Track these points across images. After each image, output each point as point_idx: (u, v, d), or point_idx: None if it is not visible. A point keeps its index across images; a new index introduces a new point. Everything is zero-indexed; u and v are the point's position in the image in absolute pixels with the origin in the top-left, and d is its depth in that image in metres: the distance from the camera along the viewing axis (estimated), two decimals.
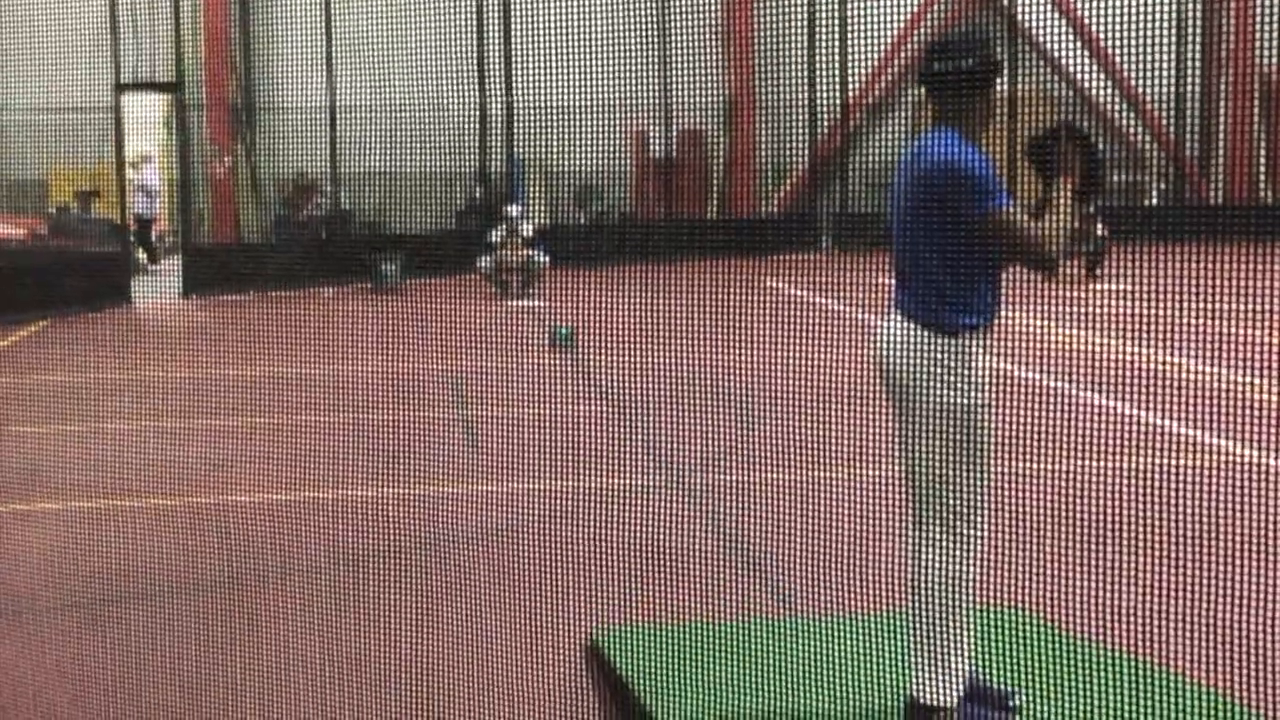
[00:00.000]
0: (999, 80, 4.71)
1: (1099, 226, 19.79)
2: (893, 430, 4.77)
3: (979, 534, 4.62)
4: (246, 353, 15.11)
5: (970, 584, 4.63)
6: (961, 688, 4.63)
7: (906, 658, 4.74)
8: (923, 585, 4.62)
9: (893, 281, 4.76)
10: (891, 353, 4.66)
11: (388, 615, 6.49)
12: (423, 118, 22.42)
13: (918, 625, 4.63)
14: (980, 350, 4.60)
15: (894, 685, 4.92)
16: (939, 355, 4.56)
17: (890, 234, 4.80)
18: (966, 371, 4.55)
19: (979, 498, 4.61)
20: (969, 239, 4.53)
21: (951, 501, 4.58)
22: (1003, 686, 4.78)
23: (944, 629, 4.60)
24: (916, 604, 4.64)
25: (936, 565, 4.59)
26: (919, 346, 4.58)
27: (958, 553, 4.58)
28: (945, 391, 4.54)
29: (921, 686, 4.62)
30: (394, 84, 22.07)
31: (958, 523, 4.58)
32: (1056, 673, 4.98)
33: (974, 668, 4.74)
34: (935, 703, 4.61)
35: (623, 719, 5.27)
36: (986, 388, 4.61)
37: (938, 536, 4.60)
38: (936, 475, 4.58)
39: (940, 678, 4.60)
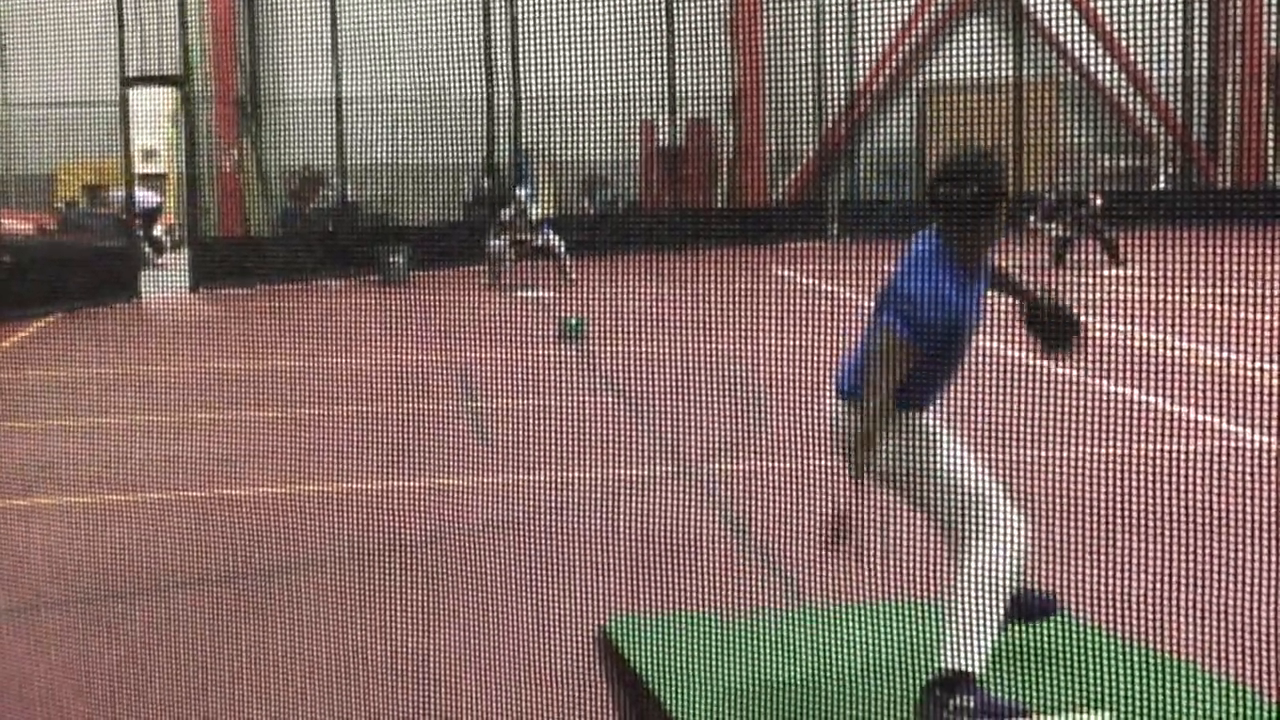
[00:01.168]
0: (1005, 205, 4.76)
1: (1095, 202, 19.78)
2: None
3: (1012, 530, 4.69)
4: (254, 347, 15.11)
5: (1012, 578, 4.72)
6: (982, 662, 4.64)
7: (933, 643, 4.75)
8: (970, 580, 4.69)
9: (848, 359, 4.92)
10: (843, 432, 4.93)
11: (399, 607, 6.49)
12: (429, 109, 22.41)
13: (959, 612, 4.69)
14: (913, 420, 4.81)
15: (907, 674, 4.92)
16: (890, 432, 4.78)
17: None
18: (902, 440, 4.78)
19: (992, 505, 4.71)
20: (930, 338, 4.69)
21: (967, 523, 4.71)
22: (1017, 699, 4.78)
23: (984, 618, 4.66)
24: (960, 595, 4.70)
25: (978, 565, 4.68)
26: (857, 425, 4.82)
27: (997, 551, 4.68)
28: (892, 464, 4.79)
29: (949, 654, 4.65)
30: (400, 75, 22.06)
31: (986, 530, 4.69)
32: (1068, 661, 4.97)
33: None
34: (959, 667, 4.62)
35: (634, 708, 5.26)
36: (929, 438, 4.80)
37: (974, 546, 4.69)
38: (940, 513, 4.77)
39: (973, 646, 4.64)
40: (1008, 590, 4.70)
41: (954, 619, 4.67)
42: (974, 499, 4.70)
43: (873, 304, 4.86)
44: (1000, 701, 4.69)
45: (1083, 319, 5.00)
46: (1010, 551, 4.67)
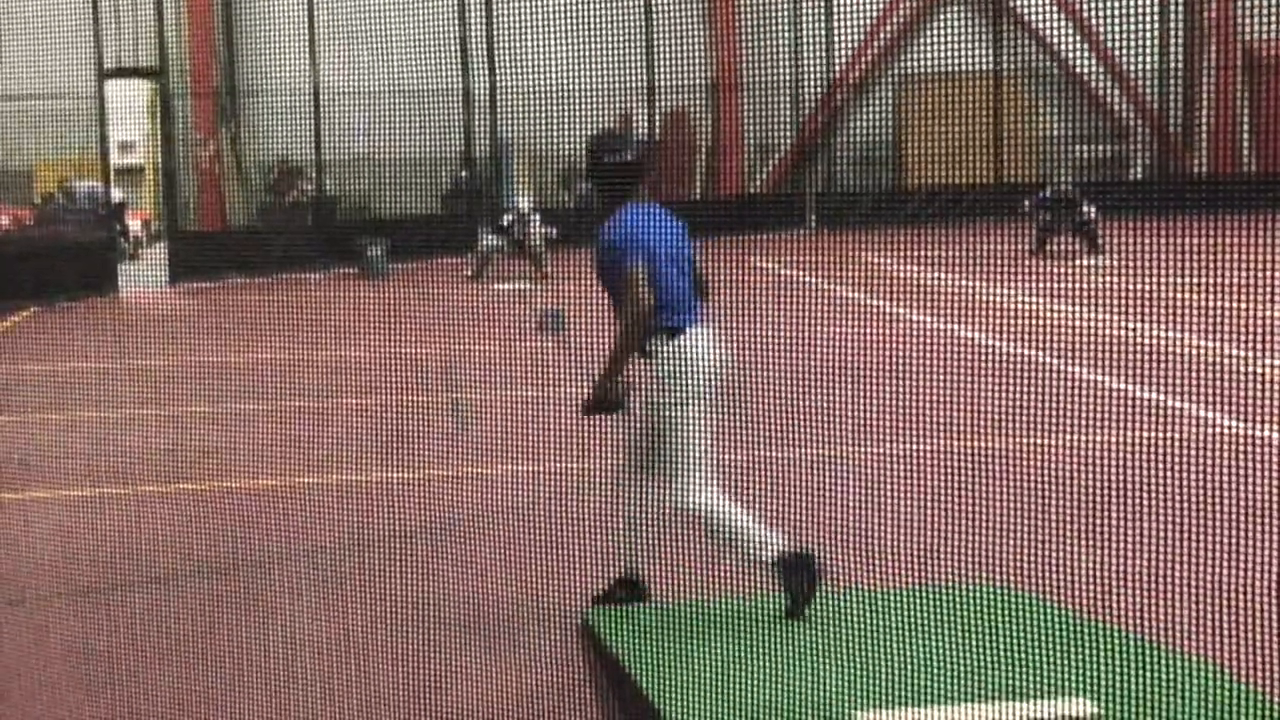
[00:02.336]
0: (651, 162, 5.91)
1: (1087, 207, 19.82)
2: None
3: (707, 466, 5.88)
4: (233, 339, 15.11)
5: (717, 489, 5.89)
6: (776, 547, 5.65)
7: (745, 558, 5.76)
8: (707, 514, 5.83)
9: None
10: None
11: (380, 597, 6.51)
12: (407, 101, 22.39)
13: (731, 542, 5.78)
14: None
15: (889, 659, 4.96)
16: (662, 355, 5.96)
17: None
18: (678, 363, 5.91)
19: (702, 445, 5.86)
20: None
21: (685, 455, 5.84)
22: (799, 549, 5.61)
23: (733, 527, 5.78)
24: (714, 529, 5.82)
25: (693, 496, 5.84)
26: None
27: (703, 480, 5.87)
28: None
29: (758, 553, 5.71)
30: (377, 68, 22.04)
31: (695, 466, 5.86)
32: (1044, 647, 5.02)
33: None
34: (777, 557, 5.64)
35: (616, 698, 5.29)
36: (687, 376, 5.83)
37: (685, 480, 5.84)
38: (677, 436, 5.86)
39: (763, 545, 5.69)
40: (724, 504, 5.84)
41: (738, 545, 5.76)
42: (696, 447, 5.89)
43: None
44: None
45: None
46: (710, 487, 5.88)
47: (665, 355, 5.93)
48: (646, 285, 5.92)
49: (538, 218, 20.73)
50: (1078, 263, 19.00)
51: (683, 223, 6.30)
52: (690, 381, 5.87)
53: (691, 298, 6.10)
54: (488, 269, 20.31)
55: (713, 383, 5.98)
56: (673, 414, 5.87)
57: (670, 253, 6.09)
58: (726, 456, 8.79)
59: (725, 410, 6.16)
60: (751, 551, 5.76)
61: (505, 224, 20.57)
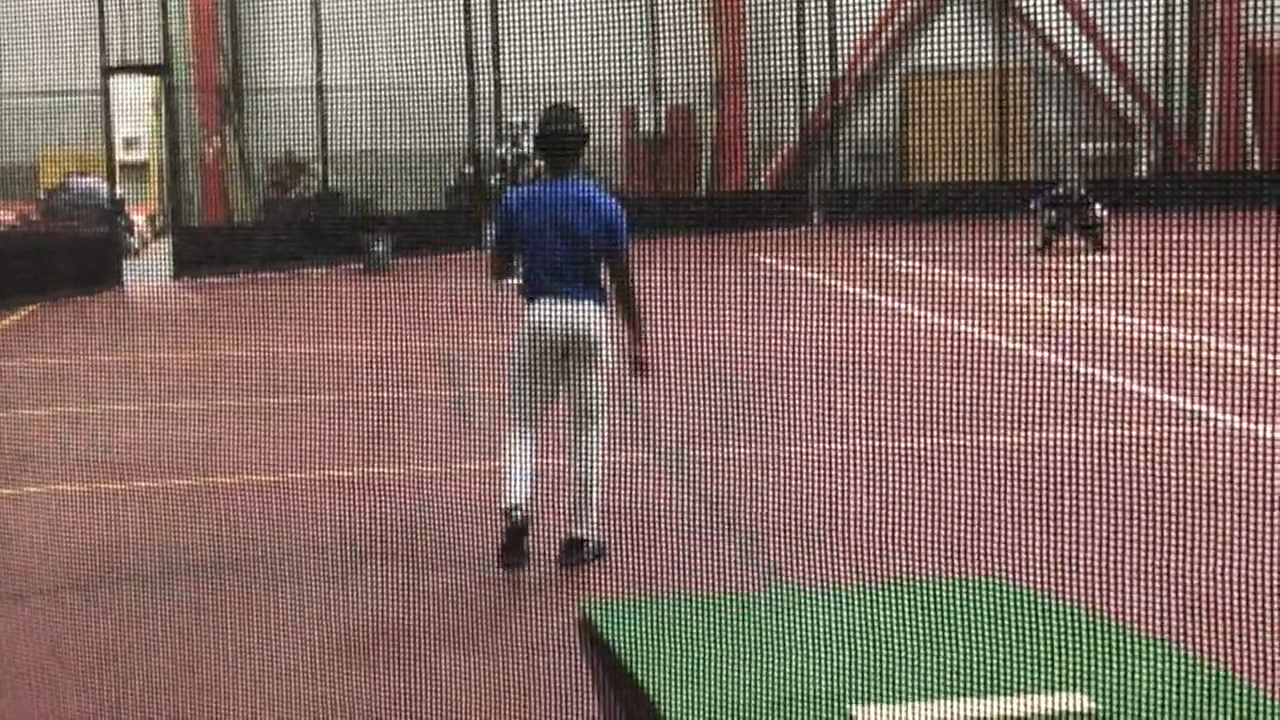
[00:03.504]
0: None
1: (1097, 207, 19.79)
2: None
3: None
4: (237, 334, 15.12)
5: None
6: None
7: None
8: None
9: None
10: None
11: (383, 591, 6.52)
12: (411, 96, 22.40)
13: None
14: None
15: (886, 654, 4.95)
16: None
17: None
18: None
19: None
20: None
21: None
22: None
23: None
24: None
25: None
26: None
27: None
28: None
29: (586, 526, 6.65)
30: (382, 63, 22.04)
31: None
32: (1041, 642, 5.02)
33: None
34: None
35: (615, 693, 5.29)
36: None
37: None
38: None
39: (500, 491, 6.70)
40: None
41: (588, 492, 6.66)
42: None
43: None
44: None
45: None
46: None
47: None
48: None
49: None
50: (1083, 259, 18.98)
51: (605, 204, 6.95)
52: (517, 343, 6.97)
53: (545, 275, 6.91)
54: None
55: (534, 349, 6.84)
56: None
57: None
58: (743, 450, 8.82)
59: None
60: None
61: (503, 155, 20.45)
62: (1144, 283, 13.53)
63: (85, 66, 20.80)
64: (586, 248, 6.76)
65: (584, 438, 6.77)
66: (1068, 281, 16.43)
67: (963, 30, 27.35)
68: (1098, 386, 9.81)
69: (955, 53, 26.24)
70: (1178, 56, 27.23)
